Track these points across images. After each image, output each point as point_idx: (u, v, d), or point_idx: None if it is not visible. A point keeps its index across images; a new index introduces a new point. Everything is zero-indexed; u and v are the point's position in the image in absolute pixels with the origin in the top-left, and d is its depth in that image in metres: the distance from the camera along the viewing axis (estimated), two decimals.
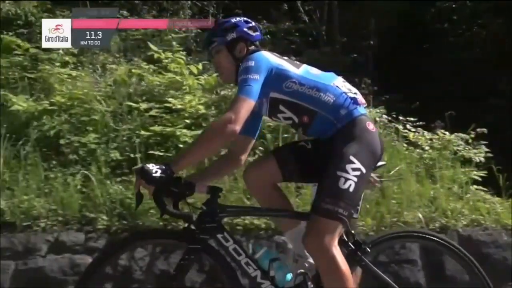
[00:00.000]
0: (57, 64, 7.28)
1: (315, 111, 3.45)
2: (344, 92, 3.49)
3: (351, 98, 3.47)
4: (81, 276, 3.39)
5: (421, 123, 6.43)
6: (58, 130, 5.86)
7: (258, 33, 3.69)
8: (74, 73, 7.09)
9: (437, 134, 6.31)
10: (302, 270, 3.49)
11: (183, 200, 3.31)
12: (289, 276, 3.44)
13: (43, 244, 4.86)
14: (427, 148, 6.24)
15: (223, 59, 3.60)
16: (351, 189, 3.30)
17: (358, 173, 3.33)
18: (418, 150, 6.20)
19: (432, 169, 5.93)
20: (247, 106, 3.27)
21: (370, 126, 3.50)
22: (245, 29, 3.61)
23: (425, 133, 6.36)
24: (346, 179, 3.28)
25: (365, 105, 3.63)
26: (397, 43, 10.65)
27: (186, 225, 3.45)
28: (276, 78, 3.44)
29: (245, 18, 3.76)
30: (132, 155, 5.63)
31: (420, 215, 5.23)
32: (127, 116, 6.09)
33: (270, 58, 3.50)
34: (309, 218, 3.41)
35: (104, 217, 5.02)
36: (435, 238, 3.71)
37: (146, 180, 3.18)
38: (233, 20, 3.68)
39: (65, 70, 6.95)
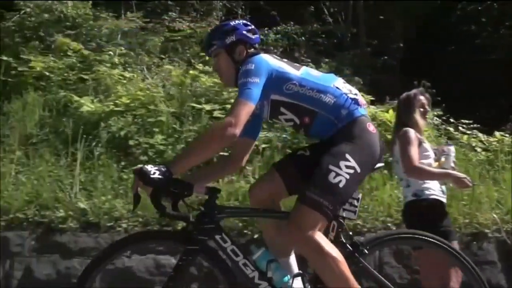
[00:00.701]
0: (108, 65, 7.26)
1: (316, 112, 3.33)
2: (344, 93, 3.37)
3: (352, 99, 3.36)
4: (80, 275, 3.24)
5: (476, 125, 6.40)
6: (127, 131, 5.92)
7: (257, 35, 3.55)
8: (127, 74, 7.12)
9: (495, 136, 6.28)
10: (300, 271, 3.35)
11: (181, 200, 3.16)
12: (287, 277, 3.31)
13: None
14: (479, 149, 6.16)
15: (223, 62, 3.47)
16: (340, 185, 3.17)
17: (351, 171, 3.20)
18: (472, 153, 6.10)
19: (490, 171, 5.83)
20: (247, 109, 3.16)
21: (371, 127, 3.38)
22: (245, 32, 3.47)
23: (480, 135, 6.34)
24: (337, 174, 3.17)
25: (365, 106, 3.50)
26: (423, 45, 10.36)
27: (184, 226, 3.32)
28: (276, 80, 3.32)
29: (244, 21, 3.60)
30: None
31: (496, 217, 5.07)
32: (188, 118, 6.07)
33: (270, 61, 3.37)
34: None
35: None
36: (434, 241, 3.55)
37: (144, 181, 3.06)
38: (232, 23, 3.52)
39: (117, 71, 6.98)
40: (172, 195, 3.13)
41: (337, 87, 3.38)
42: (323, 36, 10.53)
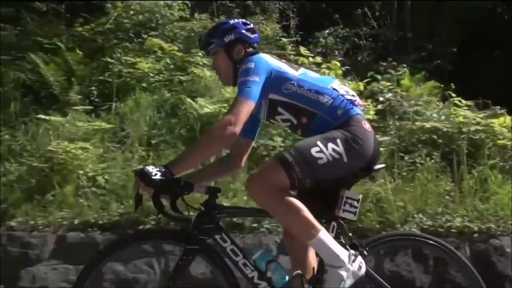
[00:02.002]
0: (199, 66, 7.15)
1: (314, 113, 3.20)
2: (341, 94, 3.25)
3: (348, 100, 3.25)
4: (79, 274, 3.21)
5: None
6: None
7: (256, 35, 3.38)
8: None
9: None
10: (299, 272, 3.21)
11: (180, 198, 3.08)
12: (286, 277, 3.20)
13: (272, 245, 4.88)
14: None
15: (221, 61, 3.34)
16: (319, 162, 3.03)
17: (336, 156, 3.06)
18: None
19: None
20: (247, 108, 3.04)
21: (366, 125, 3.23)
22: (243, 31, 3.33)
23: None
24: (321, 151, 3.05)
25: (362, 108, 3.36)
26: (472, 49, 10.13)
27: (184, 225, 3.22)
28: (275, 80, 3.19)
29: (243, 20, 3.44)
30: None
31: None
32: None
33: (270, 61, 3.24)
34: None
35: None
36: (432, 242, 3.46)
37: (145, 182, 2.96)
38: (231, 21, 3.38)
39: (209, 73, 6.78)
40: (172, 194, 3.03)
41: (334, 89, 3.27)
42: (370, 39, 10.30)
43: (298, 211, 3.04)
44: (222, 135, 2.99)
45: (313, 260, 3.27)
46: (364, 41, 9.53)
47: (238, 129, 3.00)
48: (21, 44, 7.42)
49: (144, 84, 6.61)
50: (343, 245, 3.16)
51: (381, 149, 5.63)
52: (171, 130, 6.00)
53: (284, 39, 8.33)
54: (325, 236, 3.07)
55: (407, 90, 6.71)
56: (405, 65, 7.48)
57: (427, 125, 5.92)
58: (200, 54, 7.25)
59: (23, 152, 5.66)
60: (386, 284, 3.33)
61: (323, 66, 6.97)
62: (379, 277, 3.34)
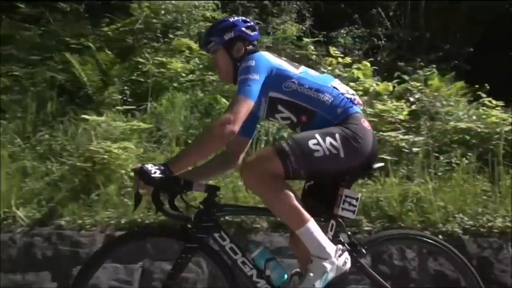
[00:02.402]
0: None
1: (314, 111, 3.20)
2: (341, 93, 3.26)
3: (348, 98, 3.26)
4: (78, 272, 3.22)
5: None
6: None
7: (256, 32, 3.38)
8: None
9: None
10: (298, 270, 3.25)
11: (179, 196, 3.08)
12: (285, 276, 3.21)
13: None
14: None
15: (221, 59, 3.33)
16: (315, 154, 3.04)
17: (334, 151, 3.07)
18: None
19: None
20: (246, 106, 3.03)
21: (365, 123, 3.24)
22: (243, 29, 3.33)
23: None
24: (318, 144, 3.06)
25: (361, 107, 3.36)
26: (488, 49, 9.88)
27: (183, 223, 3.22)
28: (276, 78, 3.18)
29: (243, 18, 3.43)
30: None
31: None
32: None
33: (270, 59, 3.23)
34: None
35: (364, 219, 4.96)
36: (431, 241, 3.48)
37: (145, 180, 2.95)
38: (231, 19, 3.40)
39: None
40: (171, 193, 3.02)
41: (334, 87, 3.28)
42: (385, 40, 10.15)
43: (288, 199, 3.06)
44: (221, 133, 3.00)
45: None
46: (382, 41, 9.45)
47: (237, 128, 3.00)
48: (46, 44, 7.40)
49: (175, 84, 6.63)
50: (338, 242, 3.21)
51: (415, 149, 5.72)
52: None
53: (306, 39, 8.30)
54: (313, 226, 3.09)
55: (436, 91, 6.73)
56: (434, 65, 7.49)
57: (462, 125, 5.94)
58: None
59: (62, 151, 5.65)
60: (384, 282, 3.38)
61: (354, 66, 6.96)
62: (377, 275, 3.39)
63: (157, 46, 7.23)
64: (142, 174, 2.97)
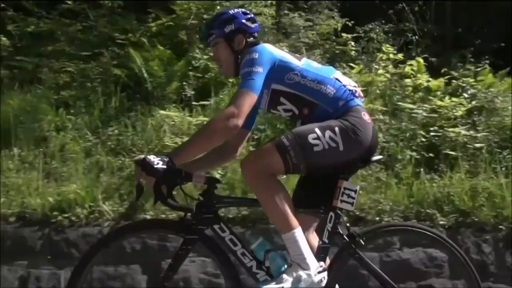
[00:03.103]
0: None
1: (316, 104, 3.19)
2: (343, 85, 3.24)
3: (350, 91, 3.25)
4: (77, 263, 3.23)
5: None
6: None
7: (256, 24, 3.35)
8: None
9: None
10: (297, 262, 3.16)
11: (178, 187, 3.07)
12: (284, 267, 3.19)
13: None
14: None
15: (222, 52, 3.31)
16: (315, 149, 3.04)
17: (333, 144, 3.07)
18: None
19: None
20: (250, 100, 3.01)
21: (366, 116, 3.23)
22: (244, 21, 3.31)
23: None
24: (318, 138, 3.05)
25: (362, 99, 3.36)
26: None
27: (183, 215, 3.23)
28: (278, 70, 3.15)
29: (243, 10, 3.41)
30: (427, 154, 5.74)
31: None
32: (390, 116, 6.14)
33: (273, 51, 3.21)
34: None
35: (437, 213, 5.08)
36: (428, 233, 3.49)
37: (147, 171, 2.93)
38: (231, 11, 3.36)
39: None
40: (170, 185, 3.01)
41: (336, 79, 3.26)
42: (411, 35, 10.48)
43: (281, 202, 3.06)
44: (225, 127, 2.98)
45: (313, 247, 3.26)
46: (416, 37, 9.43)
47: (241, 122, 2.99)
48: (91, 40, 7.46)
49: (231, 80, 6.60)
50: (341, 235, 3.26)
51: (478, 144, 5.79)
52: (272, 125, 6.06)
53: (345, 35, 8.35)
54: (299, 235, 3.10)
55: (489, 87, 6.83)
56: (487, 61, 7.52)
57: None
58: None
59: (132, 146, 5.71)
60: (383, 273, 3.41)
61: (408, 63, 7.02)
62: (376, 267, 3.45)
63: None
64: (144, 165, 2.96)
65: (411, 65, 6.87)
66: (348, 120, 3.15)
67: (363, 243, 3.29)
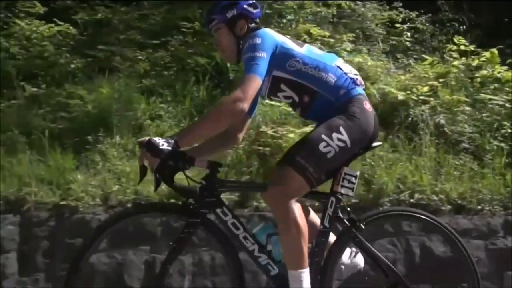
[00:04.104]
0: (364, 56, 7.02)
1: (316, 91, 3.22)
2: (344, 73, 3.28)
3: (351, 79, 3.28)
4: (80, 246, 3.31)
5: None
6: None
7: (258, 10, 3.34)
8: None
9: None
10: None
11: (183, 173, 3.11)
12: None
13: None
14: None
15: (224, 37, 3.34)
16: (329, 155, 3.10)
17: (342, 144, 3.13)
18: None
19: None
20: (255, 84, 3.03)
21: (367, 105, 3.27)
22: (246, 6, 3.33)
23: None
24: (328, 145, 3.11)
25: (363, 87, 3.39)
26: None
27: (185, 199, 3.26)
28: (280, 56, 3.18)
29: None
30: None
31: None
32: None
33: (275, 36, 3.23)
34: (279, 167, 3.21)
35: None
36: (428, 219, 3.56)
37: (152, 152, 2.95)
38: None
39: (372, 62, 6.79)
40: (173, 168, 3.02)
41: (338, 67, 3.30)
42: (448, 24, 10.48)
43: (301, 238, 3.13)
44: (232, 111, 3.00)
45: (312, 233, 3.30)
46: (463, 27, 9.39)
47: (247, 106, 3.01)
48: (149, 28, 7.43)
49: None
50: (341, 220, 3.33)
51: None
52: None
53: (399, 25, 8.32)
54: (305, 276, 3.16)
55: None
56: None
57: None
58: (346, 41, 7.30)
59: None
60: (383, 258, 3.50)
61: (483, 55, 7.08)
62: (376, 251, 3.49)
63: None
64: (149, 146, 2.97)
65: (484, 56, 6.92)
66: (350, 113, 3.21)
67: (363, 227, 3.37)
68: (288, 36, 3.35)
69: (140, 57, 6.86)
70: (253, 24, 3.35)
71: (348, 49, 6.99)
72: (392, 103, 6.14)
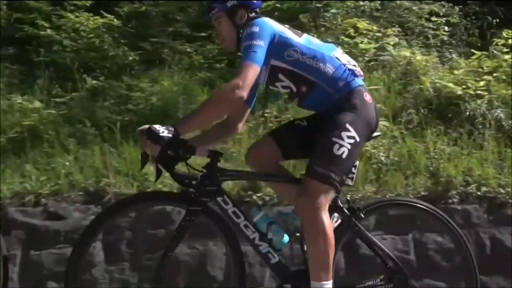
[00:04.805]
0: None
1: (314, 82, 3.22)
2: (343, 64, 3.27)
3: (350, 70, 3.28)
4: (81, 235, 3.31)
5: None
6: None
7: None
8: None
9: None
10: (298, 234, 3.33)
11: (183, 162, 3.13)
12: (286, 239, 3.30)
13: None
14: None
15: (224, 26, 3.35)
16: (344, 156, 3.12)
17: (352, 141, 3.15)
18: None
19: None
20: (253, 72, 3.04)
21: (367, 97, 3.29)
22: None
23: None
24: (341, 146, 3.12)
25: (362, 77, 3.38)
26: None
27: (186, 188, 3.31)
28: (278, 45, 3.19)
29: None
30: None
31: None
32: None
33: (274, 25, 3.23)
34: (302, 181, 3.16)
35: None
36: (427, 208, 3.61)
37: (152, 140, 2.99)
38: None
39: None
40: (175, 156, 3.06)
41: (336, 57, 3.29)
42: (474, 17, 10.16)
43: (329, 251, 3.15)
44: (231, 98, 3.02)
45: None
46: (497, 20, 8.23)
47: (245, 93, 3.03)
48: (189, 21, 7.47)
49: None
50: (341, 209, 3.37)
51: None
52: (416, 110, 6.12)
53: (436, 18, 8.23)
54: None
55: None
56: None
57: None
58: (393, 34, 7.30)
59: None
60: (382, 246, 3.55)
61: None
62: (375, 239, 3.55)
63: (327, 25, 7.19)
64: (150, 134, 3.01)
65: None
66: (353, 109, 3.23)
67: (363, 216, 3.42)
68: (287, 26, 3.37)
69: (188, 50, 6.96)
70: (253, 14, 3.37)
71: (392, 43, 6.98)
72: (448, 98, 6.13)
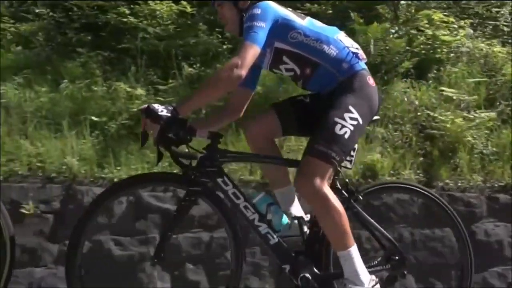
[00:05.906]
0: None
1: (318, 63, 3.23)
2: (346, 46, 3.27)
3: (353, 53, 3.27)
4: (82, 214, 3.28)
5: None
6: None
7: None
8: None
9: None
10: (298, 215, 3.33)
11: (184, 145, 3.14)
12: (285, 220, 3.30)
13: None
14: None
15: (227, 11, 3.34)
16: (346, 136, 3.14)
17: (355, 122, 3.16)
18: None
19: None
20: (253, 52, 3.05)
21: (370, 80, 3.30)
22: None
23: None
24: (343, 126, 3.14)
25: (365, 60, 3.35)
26: None
27: (186, 169, 3.30)
28: (281, 28, 3.19)
29: None
30: None
31: None
32: None
33: (277, 8, 3.23)
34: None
35: None
36: (424, 192, 3.65)
37: (152, 118, 3.00)
38: None
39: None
40: (176, 138, 3.07)
41: (340, 40, 3.29)
42: None
43: (341, 219, 3.16)
44: (229, 77, 3.01)
45: None
46: None
47: (244, 72, 3.01)
48: None
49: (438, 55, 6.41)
50: (339, 191, 3.34)
51: None
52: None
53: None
54: (355, 252, 3.19)
55: None
56: None
57: None
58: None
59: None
60: (381, 228, 3.51)
61: None
62: (373, 221, 3.49)
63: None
64: (149, 112, 3.00)
65: None
66: (356, 92, 3.23)
67: (361, 198, 3.42)
68: (290, 9, 3.36)
69: None
70: None
71: (462, 33, 6.66)
72: None
